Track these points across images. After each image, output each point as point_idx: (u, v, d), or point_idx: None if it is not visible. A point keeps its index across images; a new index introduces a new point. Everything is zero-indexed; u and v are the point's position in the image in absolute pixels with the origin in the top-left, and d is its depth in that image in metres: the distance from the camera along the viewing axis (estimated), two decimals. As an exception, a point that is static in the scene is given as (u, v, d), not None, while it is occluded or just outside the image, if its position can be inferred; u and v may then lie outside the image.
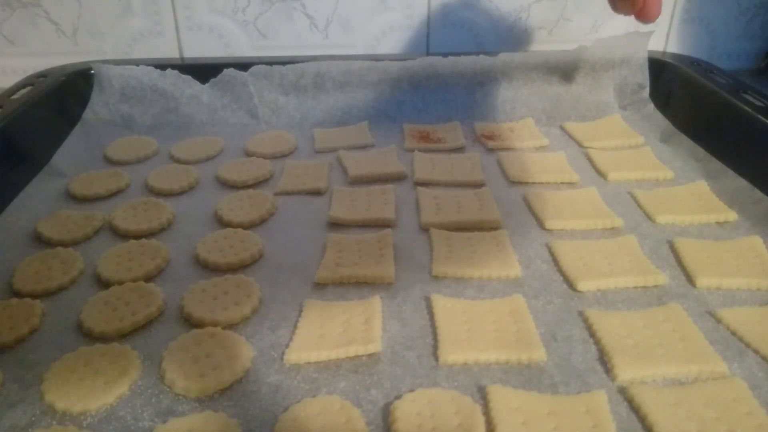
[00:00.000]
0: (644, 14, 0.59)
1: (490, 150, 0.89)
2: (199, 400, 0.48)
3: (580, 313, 0.57)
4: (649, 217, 0.71)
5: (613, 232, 0.69)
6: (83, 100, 0.94)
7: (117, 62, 0.97)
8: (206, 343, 0.53)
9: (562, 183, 0.79)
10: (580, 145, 0.89)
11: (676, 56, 1.02)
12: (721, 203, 0.72)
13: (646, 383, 0.49)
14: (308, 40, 1.09)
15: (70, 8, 1.04)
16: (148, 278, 0.62)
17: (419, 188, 0.77)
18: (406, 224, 0.71)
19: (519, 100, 0.98)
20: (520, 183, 0.80)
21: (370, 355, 0.52)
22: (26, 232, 0.70)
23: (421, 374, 0.50)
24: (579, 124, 0.95)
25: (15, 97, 0.87)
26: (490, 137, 0.91)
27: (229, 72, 0.94)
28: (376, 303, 0.57)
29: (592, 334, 0.54)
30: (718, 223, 0.70)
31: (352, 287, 0.61)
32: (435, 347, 0.53)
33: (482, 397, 0.48)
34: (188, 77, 0.95)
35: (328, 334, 0.54)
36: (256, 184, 0.80)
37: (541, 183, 0.79)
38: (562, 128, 0.95)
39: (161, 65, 0.95)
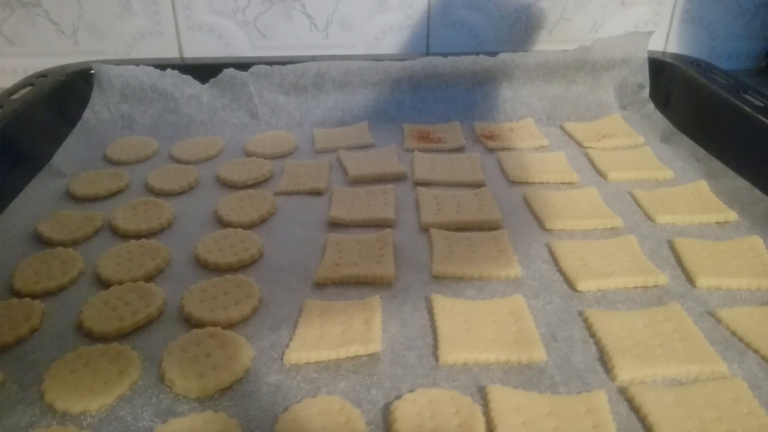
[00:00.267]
0: None
1: (490, 150, 0.89)
2: (199, 400, 0.48)
3: (580, 313, 0.57)
4: (649, 217, 0.71)
5: (613, 232, 0.69)
6: (83, 100, 0.94)
7: (117, 62, 0.97)
8: (206, 343, 0.53)
9: (562, 183, 0.79)
10: (580, 145, 0.89)
11: (676, 56, 1.02)
12: (721, 203, 0.72)
13: (646, 383, 0.49)
14: (308, 40, 1.09)
15: (70, 8, 1.04)
16: (148, 278, 0.62)
17: (419, 188, 0.77)
18: (406, 224, 0.71)
19: (519, 100, 0.98)
20: (520, 183, 0.80)
21: (370, 355, 0.52)
22: (26, 232, 0.70)
23: (421, 374, 0.50)
24: (579, 124, 0.95)
25: (15, 97, 0.87)
26: (490, 137, 0.91)
27: (229, 72, 0.95)
28: (376, 303, 0.57)
29: (592, 334, 0.54)
30: (718, 223, 0.70)
31: (352, 287, 0.61)
32: (435, 347, 0.53)
33: (482, 397, 0.48)
34: (188, 77, 0.95)
35: (328, 334, 0.54)
36: (256, 184, 0.80)
37: (541, 183, 0.79)
38: (562, 128, 0.95)
39: (161, 65, 0.95)
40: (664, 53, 1.04)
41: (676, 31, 1.13)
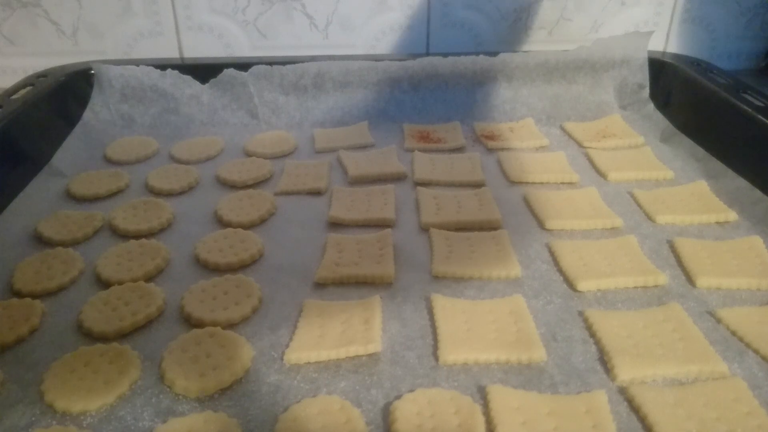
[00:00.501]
0: None
1: (490, 150, 0.89)
2: (199, 400, 0.48)
3: (580, 313, 0.57)
4: (649, 217, 0.71)
5: (613, 232, 0.69)
6: (83, 100, 0.94)
7: (117, 62, 0.97)
8: (206, 343, 0.53)
9: (562, 183, 0.79)
10: (580, 145, 0.89)
11: (676, 56, 1.02)
12: (721, 203, 0.72)
13: (646, 383, 0.49)
14: (308, 40, 1.09)
15: (70, 8, 1.04)
16: (148, 278, 0.62)
17: (419, 188, 0.77)
18: (406, 224, 0.71)
19: (519, 100, 0.98)
20: (520, 183, 0.80)
21: (370, 355, 0.52)
22: (26, 232, 0.70)
23: (421, 374, 0.50)
24: (579, 124, 0.95)
25: (15, 97, 0.87)
26: (490, 137, 0.91)
27: (229, 72, 0.95)
28: (376, 303, 0.57)
29: (592, 334, 0.54)
30: (718, 223, 0.70)
31: (352, 287, 0.61)
32: (435, 347, 0.53)
33: (482, 397, 0.48)
34: (188, 77, 0.95)
35: (328, 334, 0.54)
36: (256, 184, 0.80)
37: (541, 183, 0.79)
38: (562, 128, 0.95)
39: (161, 65, 0.95)
40: (664, 53, 1.05)
41: (676, 31, 1.13)
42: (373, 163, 0.84)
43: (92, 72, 0.95)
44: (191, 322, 0.56)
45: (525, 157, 0.85)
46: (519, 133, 0.92)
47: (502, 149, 0.88)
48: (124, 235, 0.69)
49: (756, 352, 0.52)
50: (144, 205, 0.74)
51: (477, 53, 0.97)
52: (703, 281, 0.60)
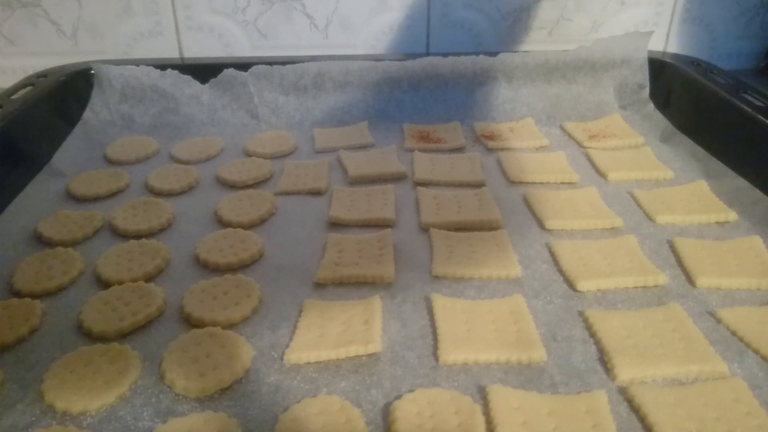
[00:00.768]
0: None
1: (490, 150, 0.89)
2: (199, 400, 0.48)
3: (580, 313, 0.57)
4: (649, 217, 0.71)
5: (613, 232, 0.69)
6: (83, 100, 0.94)
7: (117, 62, 0.97)
8: (206, 343, 0.53)
9: (562, 183, 0.79)
10: (580, 145, 0.89)
11: (676, 56, 1.02)
12: (721, 203, 0.72)
13: (646, 383, 0.49)
14: (308, 40, 1.09)
15: (70, 8, 1.04)
16: (148, 278, 0.62)
17: (419, 188, 0.77)
18: (406, 224, 0.71)
19: (519, 100, 0.98)
20: (520, 183, 0.80)
21: (370, 355, 0.52)
22: (26, 232, 0.70)
23: (421, 374, 0.50)
24: (579, 124, 0.95)
25: (15, 97, 0.87)
26: (490, 137, 0.91)
27: (229, 72, 0.95)
28: (376, 303, 0.57)
29: (592, 334, 0.54)
30: (718, 223, 0.70)
31: (352, 287, 0.61)
32: (435, 347, 0.53)
33: (482, 397, 0.48)
34: (188, 77, 0.95)
35: (328, 334, 0.54)
36: (256, 184, 0.80)
37: (541, 183, 0.79)
38: (562, 128, 0.95)
39: (161, 65, 0.95)
40: (664, 53, 1.05)
41: (676, 31, 1.13)
42: (373, 163, 0.84)
43: (92, 72, 0.95)
44: (191, 322, 0.56)
45: (525, 157, 0.85)
46: (519, 133, 0.92)
47: (502, 149, 0.88)
48: (124, 235, 0.69)
49: (756, 352, 0.52)
50: (144, 205, 0.74)
51: (477, 53, 0.97)
52: (703, 281, 0.60)
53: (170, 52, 1.08)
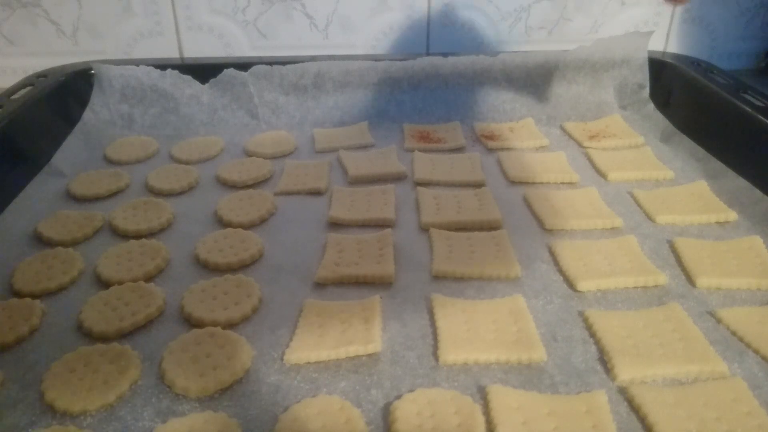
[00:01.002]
0: None
1: (490, 150, 0.89)
2: (199, 400, 0.48)
3: (580, 313, 0.57)
4: (649, 217, 0.71)
5: (613, 232, 0.69)
6: (83, 100, 0.94)
7: (117, 62, 0.97)
8: (206, 343, 0.53)
9: (562, 183, 0.79)
10: (580, 145, 0.89)
11: (676, 56, 1.02)
12: (721, 203, 0.72)
13: (646, 383, 0.49)
14: (308, 40, 1.09)
15: (70, 8, 1.04)
16: (148, 278, 0.62)
17: (419, 188, 0.77)
18: (406, 224, 0.71)
19: (519, 100, 0.98)
20: (520, 183, 0.80)
21: (370, 355, 0.52)
22: (26, 232, 0.70)
23: (421, 374, 0.50)
24: (579, 124, 0.95)
25: (15, 97, 0.87)
26: (490, 137, 0.91)
27: (229, 72, 0.94)
28: (376, 303, 0.57)
29: (592, 334, 0.54)
30: (718, 223, 0.70)
31: (352, 287, 0.61)
32: (435, 347, 0.53)
33: (482, 397, 0.48)
34: (188, 77, 0.95)
35: (328, 334, 0.54)
36: (256, 184, 0.80)
37: (541, 183, 0.79)
38: (562, 128, 0.95)
39: (161, 65, 0.95)
40: (664, 53, 1.05)
41: (676, 31, 1.13)
42: (373, 163, 0.84)
43: (92, 72, 0.95)
44: (191, 322, 0.56)
45: (525, 157, 0.85)
46: (519, 133, 0.92)
47: (502, 149, 0.88)
48: (124, 235, 0.69)
49: (756, 352, 0.52)
50: (144, 205, 0.74)
51: (477, 53, 0.97)
52: (703, 281, 0.60)
53: (170, 52, 1.08)
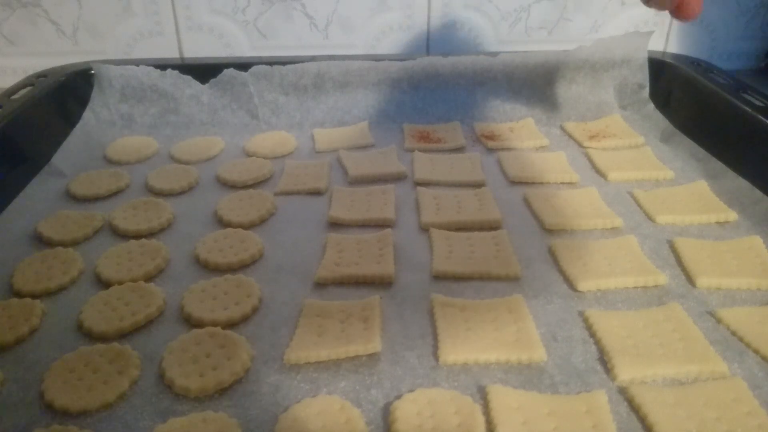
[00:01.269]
0: (682, 11, 0.54)
1: (490, 150, 0.89)
2: (198, 400, 0.48)
3: (580, 313, 0.57)
4: (649, 217, 0.71)
5: (613, 232, 0.69)
6: (83, 100, 0.94)
7: (117, 62, 0.97)
8: (206, 343, 0.53)
9: (562, 183, 0.79)
10: (580, 145, 0.89)
11: (676, 56, 1.02)
12: (721, 203, 0.72)
13: (646, 383, 0.49)
14: (308, 40, 1.09)
15: (70, 8, 1.04)
16: (148, 278, 0.62)
17: (419, 188, 0.77)
18: (406, 224, 0.71)
19: (519, 100, 0.98)
20: (520, 183, 0.80)
21: (370, 355, 0.52)
22: (26, 232, 0.70)
23: (421, 374, 0.50)
24: (579, 124, 0.95)
25: (15, 97, 0.87)
26: (490, 137, 0.91)
27: (229, 72, 0.94)
28: (376, 303, 0.57)
29: (592, 334, 0.54)
30: (718, 223, 0.70)
31: (352, 287, 0.61)
32: (435, 347, 0.53)
33: (482, 397, 0.48)
34: (188, 77, 0.95)
35: (328, 334, 0.54)
36: (256, 184, 0.80)
37: (541, 183, 0.79)
38: (562, 128, 0.95)
39: (161, 65, 0.95)
40: (664, 53, 1.05)
41: (676, 31, 1.13)
42: (373, 163, 0.84)
43: (92, 72, 0.95)
44: (191, 322, 0.56)
45: (525, 157, 0.85)
46: (519, 133, 0.92)
47: (502, 149, 0.88)
48: (124, 235, 0.69)
49: (756, 352, 0.52)
50: (144, 205, 0.74)
51: (477, 53, 0.97)
52: (703, 281, 0.60)
53: (170, 52, 1.08)
